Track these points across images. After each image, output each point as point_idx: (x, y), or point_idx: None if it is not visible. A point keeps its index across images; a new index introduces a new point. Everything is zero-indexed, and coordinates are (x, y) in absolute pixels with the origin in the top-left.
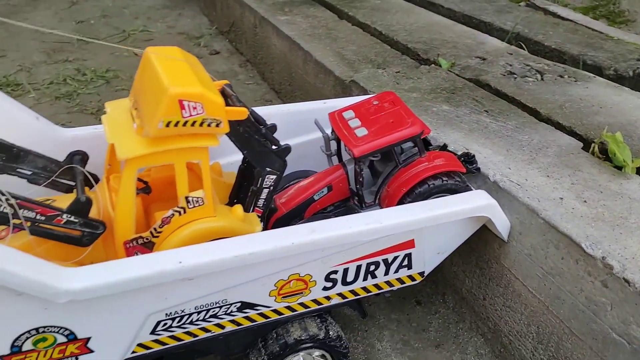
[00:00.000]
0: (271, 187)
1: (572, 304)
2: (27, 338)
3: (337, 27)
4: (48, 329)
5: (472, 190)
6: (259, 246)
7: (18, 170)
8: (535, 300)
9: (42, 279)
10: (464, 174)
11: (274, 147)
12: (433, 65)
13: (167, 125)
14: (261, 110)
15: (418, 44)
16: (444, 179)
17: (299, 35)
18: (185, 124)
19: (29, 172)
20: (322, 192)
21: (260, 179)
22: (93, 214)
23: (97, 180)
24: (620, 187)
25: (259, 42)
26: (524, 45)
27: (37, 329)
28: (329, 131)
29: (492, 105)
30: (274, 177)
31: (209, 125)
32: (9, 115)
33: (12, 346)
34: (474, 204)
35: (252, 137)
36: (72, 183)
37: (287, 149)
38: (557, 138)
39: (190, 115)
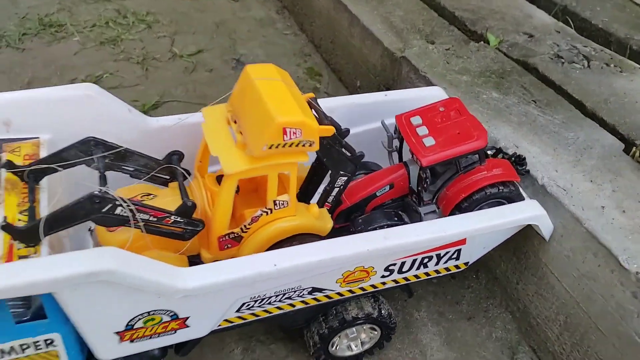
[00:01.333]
0: (341, 187)
1: (602, 305)
2: (140, 319)
3: None
4: (157, 312)
5: (524, 199)
6: (340, 252)
7: (123, 167)
8: (567, 295)
9: (166, 281)
10: (517, 182)
11: (349, 154)
12: (482, 42)
13: (270, 147)
14: (326, 103)
15: (465, 12)
16: (501, 187)
17: None
18: (284, 145)
19: (132, 169)
20: (385, 189)
21: (334, 180)
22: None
23: (189, 173)
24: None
25: None
26: (570, 22)
27: (149, 312)
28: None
29: (540, 94)
30: (345, 178)
31: (303, 145)
32: (108, 110)
33: (127, 325)
34: (526, 214)
35: (333, 147)
36: (167, 177)
37: (361, 156)
38: (600, 137)
39: (290, 139)
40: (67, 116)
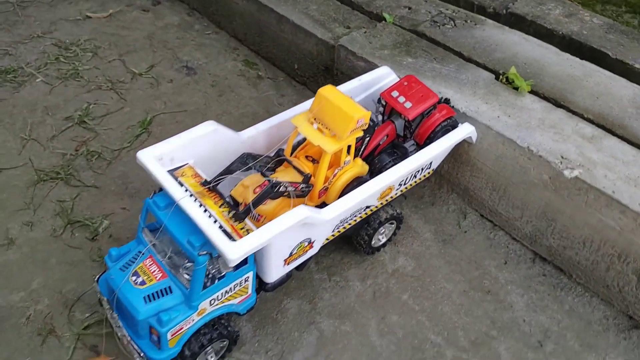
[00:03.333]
0: (366, 144)
1: (512, 169)
2: (296, 247)
3: None
4: (304, 240)
5: (461, 124)
6: (382, 183)
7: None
8: (490, 170)
9: (322, 216)
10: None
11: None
12: (383, 21)
13: (350, 132)
14: None
15: None
16: (448, 120)
17: None
18: (355, 129)
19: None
20: (384, 139)
21: (363, 140)
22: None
23: (282, 161)
24: (523, 102)
25: None
26: None
27: (301, 242)
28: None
29: (435, 53)
30: (368, 138)
31: (362, 127)
32: (221, 135)
33: (290, 253)
34: (466, 131)
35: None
36: (274, 165)
37: (377, 124)
38: (480, 74)
39: (359, 125)
40: (201, 145)
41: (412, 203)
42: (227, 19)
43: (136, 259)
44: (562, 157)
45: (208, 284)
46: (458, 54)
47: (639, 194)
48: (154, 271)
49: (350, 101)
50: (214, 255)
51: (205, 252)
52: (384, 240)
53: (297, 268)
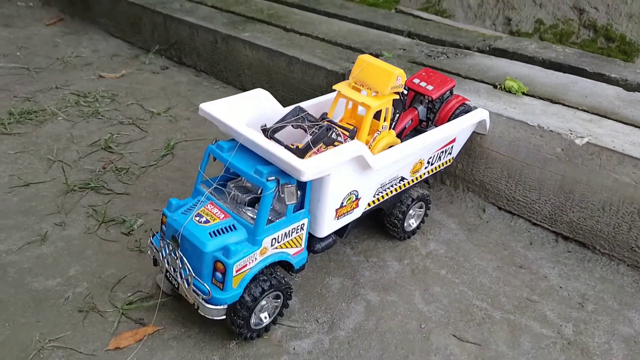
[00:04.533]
0: (396, 120)
1: (525, 150)
2: (346, 198)
3: (292, 38)
4: (352, 192)
5: (476, 108)
6: (417, 146)
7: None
8: (504, 157)
9: (370, 155)
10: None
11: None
12: (384, 55)
13: (390, 89)
14: None
15: (357, 44)
16: (463, 106)
17: (276, 45)
18: (394, 87)
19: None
20: (409, 122)
21: (394, 116)
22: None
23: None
24: (523, 101)
25: (220, 55)
26: (417, 38)
27: (350, 192)
28: None
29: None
30: (398, 115)
31: (400, 86)
32: (267, 102)
33: (341, 203)
34: (481, 115)
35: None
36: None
37: (404, 103)
38: (480, 85)
39: (398, 82)
40: (250, 109)
41: (432, 203)
42: (234, 74)
43: (196, 205)
44: (571, 131)
45: (272, 219)
46: (456, 74)
47: None
48: (216, 213)
49: (386, 63)
50: (282, 182)
51: (273, 178)
52: (414, 225)
53: (339, 233)
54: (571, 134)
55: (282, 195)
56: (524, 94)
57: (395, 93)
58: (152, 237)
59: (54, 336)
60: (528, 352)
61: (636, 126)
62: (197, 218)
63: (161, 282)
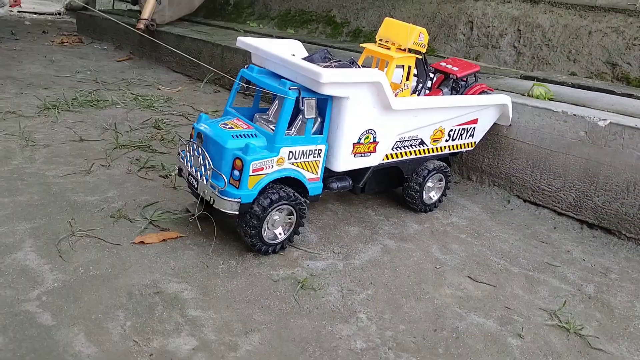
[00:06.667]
0: (421, 90)
1: (550, 138)
2: (364, 135)
3: None
4: (370, 131)
5: (499, 94)
6: (436, 103)
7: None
8: (530, 147)
9: (390, 89)
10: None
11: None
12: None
13: (412, 43)
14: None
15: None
16: (487, 92)
17: None
18: (415, 43)
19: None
20: None
21: (417, 86)
22: None
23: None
24: (549, 104)
25: None
26: None
27: (368, 130)
28: None
29: None
30: (422, 86)
31: (421, 46)
32: (299, 52)
33: (358, 138)
34: (504, 99)
35: (423, 62)
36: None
37: (431, 75)
38: (509, 94)
39: (420, 39)
40: (287, 50)
41: (457, 194)
42: None
43: (224, 119)
44: (593, 116)
45: (292, 132)
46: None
47: None
48: (241, 125)
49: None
50: (303, 95)
51: (295, 87)
52: (435, 198)
53: (356, 184)
54: (594, 117)
55: (302, 108)
56: (550, 100)
57: (417, 53)
58: (179, 151)
59: (85, 229)
60: (545, 298)
61: None
62: (223, 125)
63: (191, 207)
